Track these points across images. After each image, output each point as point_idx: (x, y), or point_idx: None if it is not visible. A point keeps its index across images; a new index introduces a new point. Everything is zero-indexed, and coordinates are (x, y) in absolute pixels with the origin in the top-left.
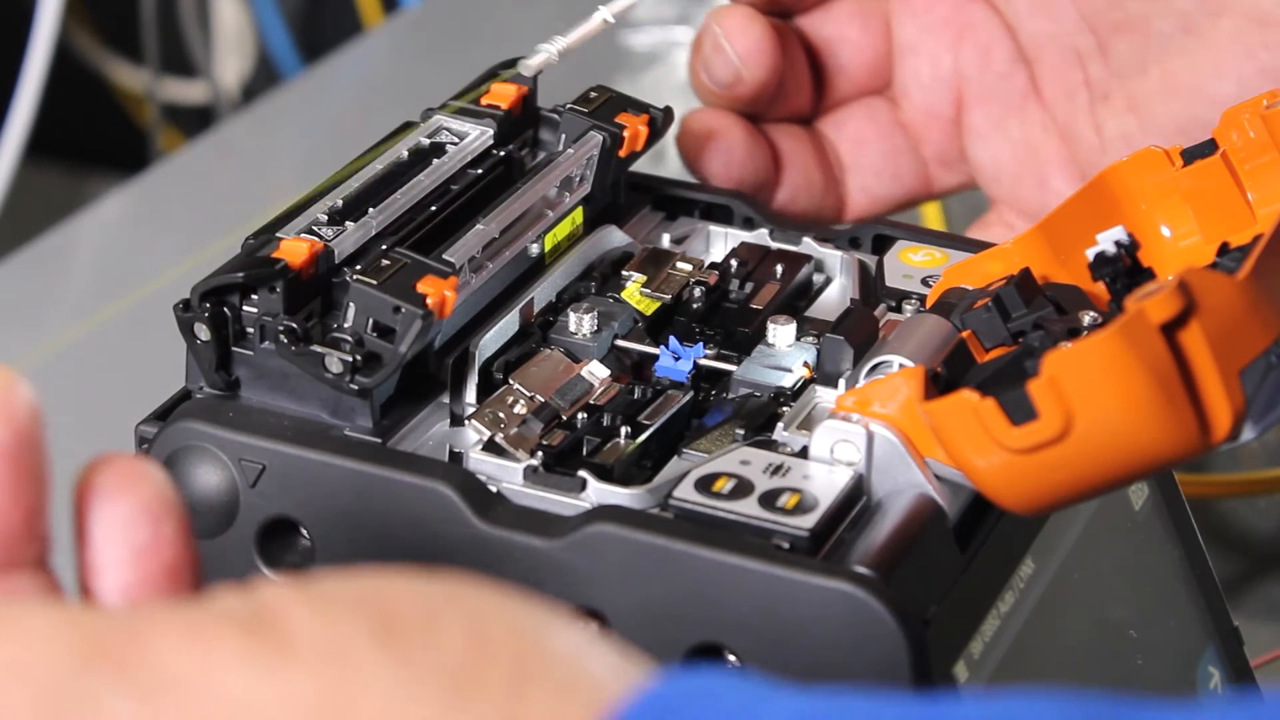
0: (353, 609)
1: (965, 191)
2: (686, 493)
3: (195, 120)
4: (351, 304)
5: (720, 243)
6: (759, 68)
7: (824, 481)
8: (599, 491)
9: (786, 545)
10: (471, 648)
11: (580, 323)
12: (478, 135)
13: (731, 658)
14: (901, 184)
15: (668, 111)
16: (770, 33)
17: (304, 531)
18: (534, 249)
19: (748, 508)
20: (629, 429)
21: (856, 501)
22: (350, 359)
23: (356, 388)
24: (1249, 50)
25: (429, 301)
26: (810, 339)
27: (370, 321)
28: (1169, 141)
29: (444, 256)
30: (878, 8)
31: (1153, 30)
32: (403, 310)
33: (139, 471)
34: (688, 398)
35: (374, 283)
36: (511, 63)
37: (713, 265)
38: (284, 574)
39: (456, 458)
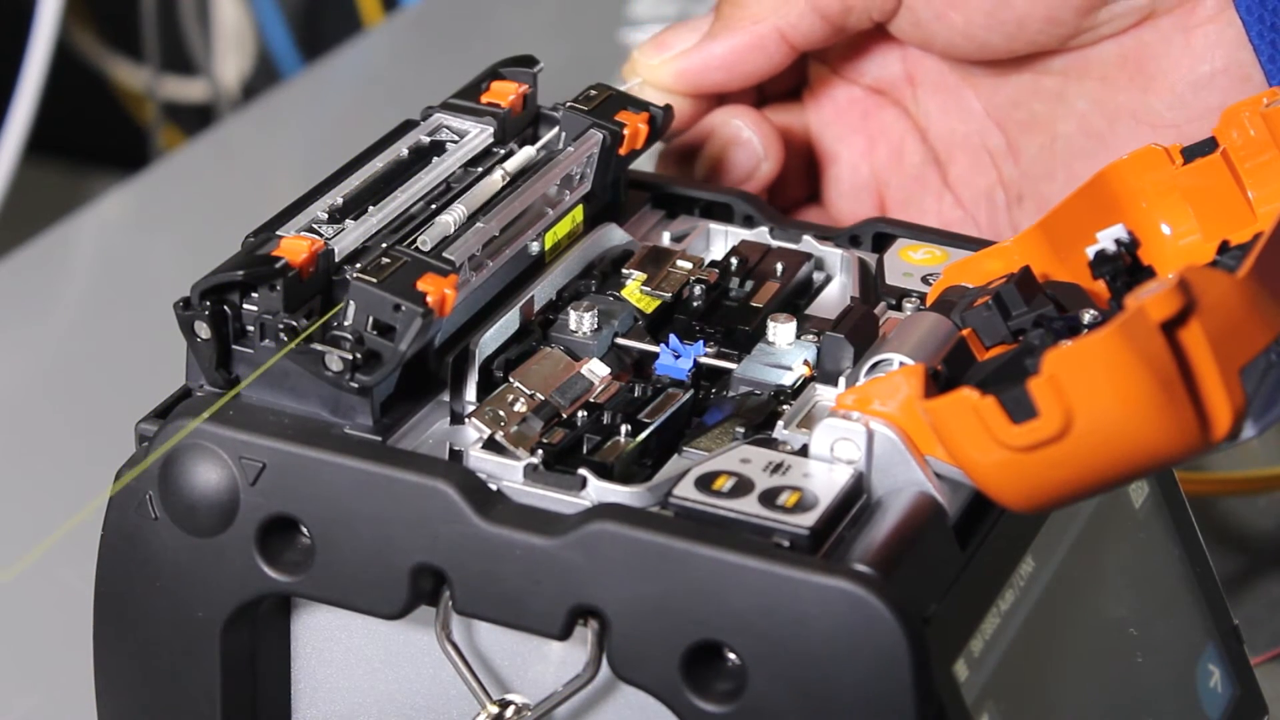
0: None
1: None
2: (686, 491)
3: (195, 119)
4: (352, 302)
5: (720, 241)
6: (776, 160)
7: (824, 479)
8: (599, 490)
9: (786, 543)
10: None
11: (580, 321)
12: (478, 133)
13: (731, 656)
14: None
15: (668, 110)
16: (778, 130)
17: (304, 530)
18: (534, 247)
19: (748, 506)
20: (629, 427)
21: (856, 499)
22: (350, 357)
23: (357, 386)
24: None
25: (429, 299)
26: (810, 337)
27: (370, 319)
28: None
29: (444, 255)
30: (799, 119)
31: (1057, 132)
32: (403, 308)
33: None
34: (688, 396)
35: (374, 281)
36: (513, 61)
37: (713, 263)
38: (284, 572)
39: (457, 456)
